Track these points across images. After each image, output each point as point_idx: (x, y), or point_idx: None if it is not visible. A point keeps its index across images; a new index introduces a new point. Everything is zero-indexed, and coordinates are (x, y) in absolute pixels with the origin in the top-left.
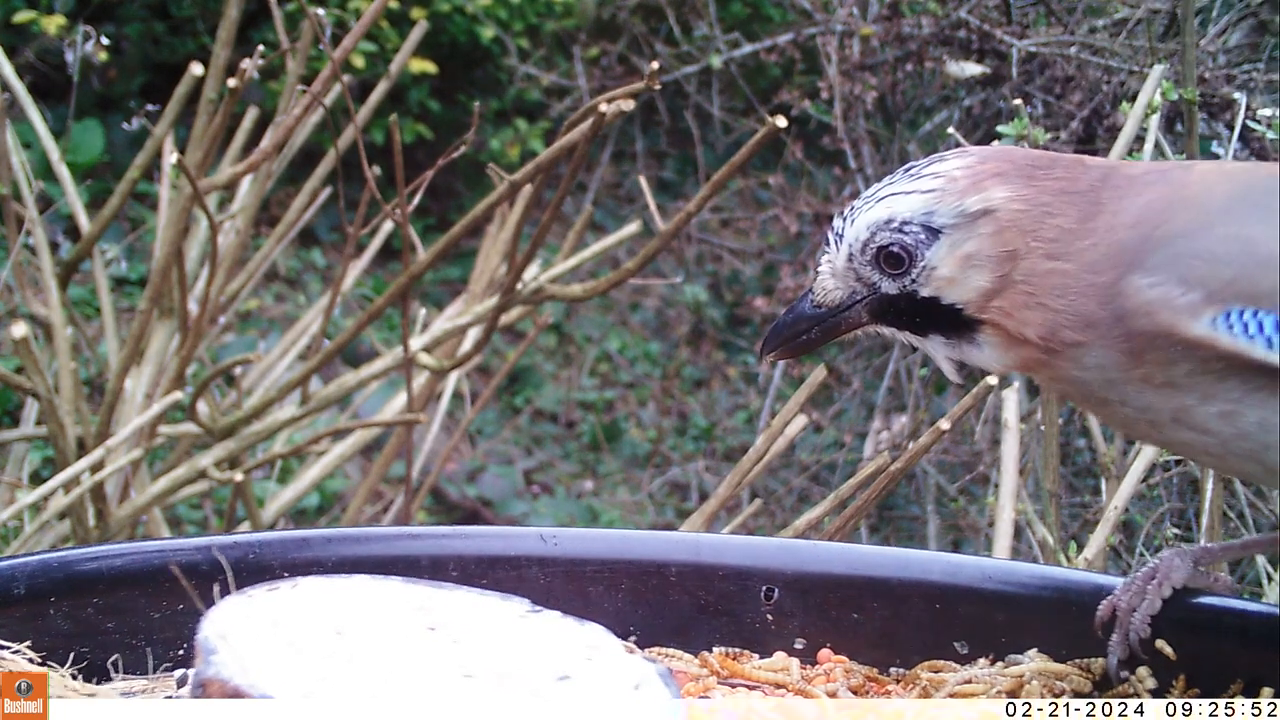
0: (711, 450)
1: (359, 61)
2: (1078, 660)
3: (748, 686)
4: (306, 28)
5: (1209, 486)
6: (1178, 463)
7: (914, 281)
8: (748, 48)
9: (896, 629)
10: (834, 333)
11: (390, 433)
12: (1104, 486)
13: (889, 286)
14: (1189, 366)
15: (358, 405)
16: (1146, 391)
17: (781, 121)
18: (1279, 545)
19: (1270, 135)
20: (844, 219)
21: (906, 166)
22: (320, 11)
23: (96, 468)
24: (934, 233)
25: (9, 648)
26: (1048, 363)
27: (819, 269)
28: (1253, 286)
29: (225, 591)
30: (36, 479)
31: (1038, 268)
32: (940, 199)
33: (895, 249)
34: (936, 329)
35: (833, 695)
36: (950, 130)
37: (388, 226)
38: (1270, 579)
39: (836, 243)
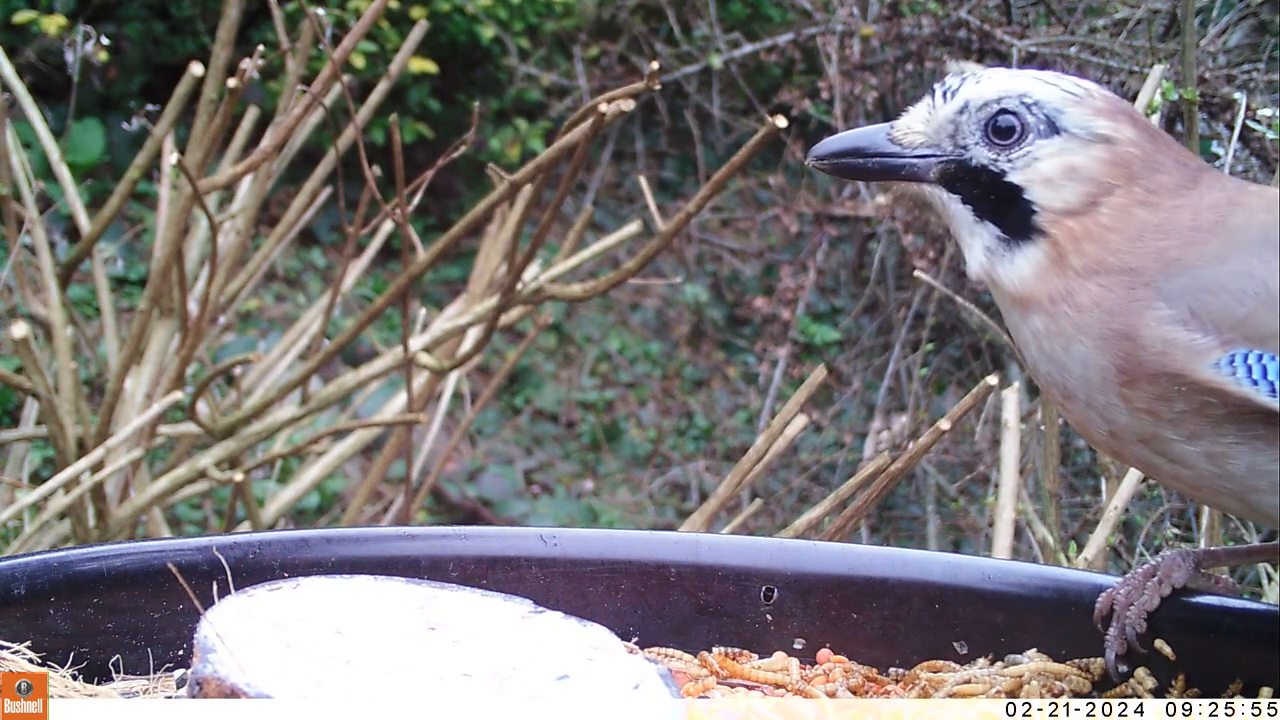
0: (711, 450)
1: (359, 61)
2: (1077, 660)
3: (747, 687)
4: (306, 28)
5: None
6: None
7: (1010, 161)
8: (748, 48)
9: (896, 629)
10: (893, 173)
11: (390, 433)
12: (1104, 486)
13: (981, 156)
14: (1184, 407)
15: (358, 405)
16: (1119, 409)
17: (781, 121)
18: None
19: (1270, 135)
20: (971, 78)
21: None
22: (320, 11)
23: (96, 468)
24: (1054, 130)
25: (9, 648)
26: (1052, 304)
27: (908, 112)
28: (1261, 327)
29: (225, 591)
30: (36, 479)
31: (1128, 209)
32: (1078, 104)
33: (1014, 121)
34: (997, 219)
35: (832, 695)
36: None
37: (388, 226)
38: (1270, 579)
39: (947, 95)
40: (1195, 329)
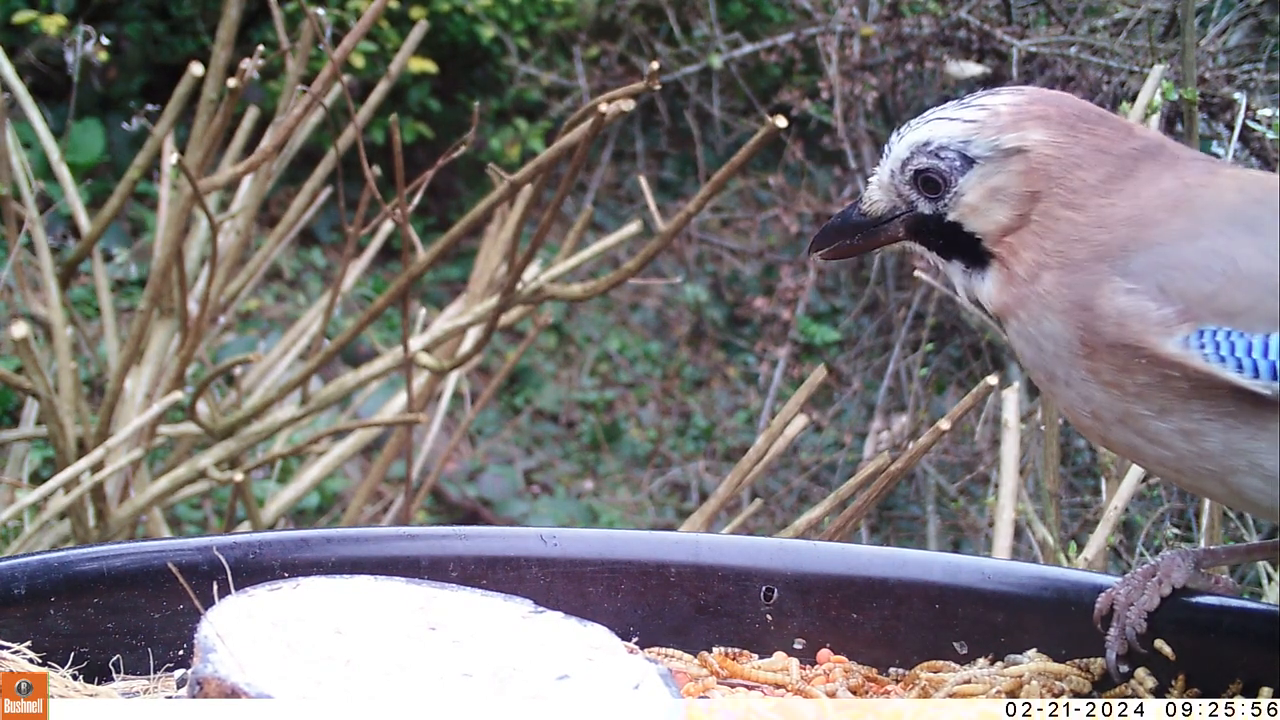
0: (711, 450)
1: (359, 61)
2: (1077, 660)
3: (747, 687)
4: (306, 28)
5: None
6: None
7: (945, 205)
8: (748, 48)
9: (896, 629)
10: (874, 242)
11: (390, 433)
12: (1104, 486)
13: (924, 206)
14: (1147, 379)
15: (358, 405)
16: (1092, 384)
17: (781, 121)
18: None
19: (1270, 135)
20: (895, 136)
21: (965, 96)
22: (320, 11)
23: (96, 468)
24: (969, 161)
25: (9, 648)
26: (1021, 304)
27: (872, 179)
28: (1230, 304)
29: (225, 591)
30: (36, 479)
31: (1052, 212)
32: (980, 130)
33: (930, 173)
34: (958, 255)
35: (832, 695)
36: None
37: (388, 226)
38: (1270, 579)
39: (885, 158)
40: (1158, 302)
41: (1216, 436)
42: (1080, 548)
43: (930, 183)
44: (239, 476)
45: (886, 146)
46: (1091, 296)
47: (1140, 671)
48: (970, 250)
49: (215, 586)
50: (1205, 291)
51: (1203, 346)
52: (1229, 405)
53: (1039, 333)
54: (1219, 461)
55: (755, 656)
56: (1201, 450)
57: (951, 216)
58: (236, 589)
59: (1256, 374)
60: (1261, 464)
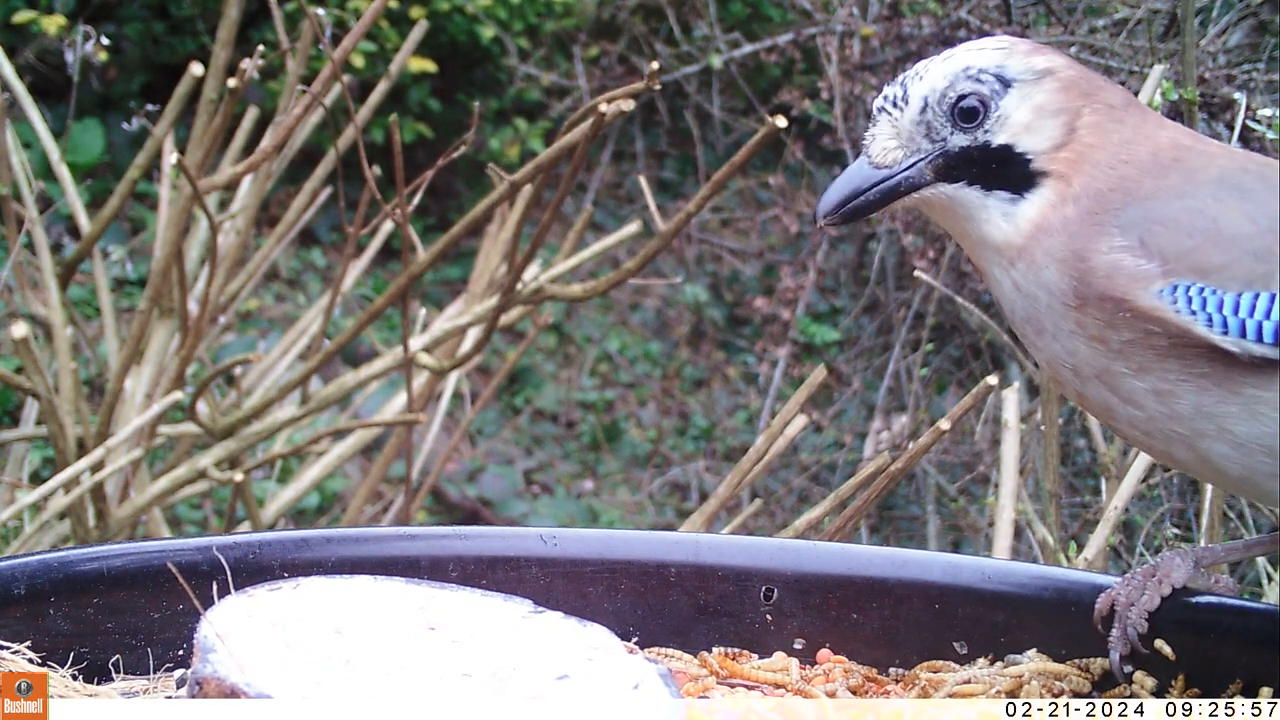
0: (711, 450)
1: (359, 61)
2: (1077, 660)
3: (747, 687)
4: (306, 28)
5: (1209, 486)
6: None
7: (987, 131)
8: (748, 48)
9: (896, 629)
10: (893, 195)
11: (390, 433)
12: (1104, 486)
13: (961, 139)
14: (1130, 335)
15: (358, 405)
16: (1078, 338)
17: (781, 121)
18: None
19: (1270, 135)
20: (910, 77)
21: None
22: (320, 11)
23: (96, 468)
24: (1006, 84)
25: (9, 648)
26: (1050, 231)
27: (875, 132)
28: (1206, 261)
29: (225, 591)
30: (36, 479)
31: (1100, 124)
32: (1010, 55)
33: (972, 99)
34: (1001, 184)
35: (832, 695)
36: None
37: (388, 226)
38: (1270, 579)
39: (901, 101)
40: (1141, 257)
41: (1188, 398)
42: (1080, 548)
43: (969, 111)
44: (239, 476)
45: (899, 91)
46: (1089, 249)
47: (1139, 672)
48: (1019, 174)
49: (215, 586)
50: (1184, 247)
51: (1175, 302)
52: (1203, 366)
53: (1037, 283)
54: (1189, 424)
55: (755, 656)
56: (1172, 411)
57: (1000, 139)
58: (236, 589)
59: (1226, 330)
60: (1230, 429)
